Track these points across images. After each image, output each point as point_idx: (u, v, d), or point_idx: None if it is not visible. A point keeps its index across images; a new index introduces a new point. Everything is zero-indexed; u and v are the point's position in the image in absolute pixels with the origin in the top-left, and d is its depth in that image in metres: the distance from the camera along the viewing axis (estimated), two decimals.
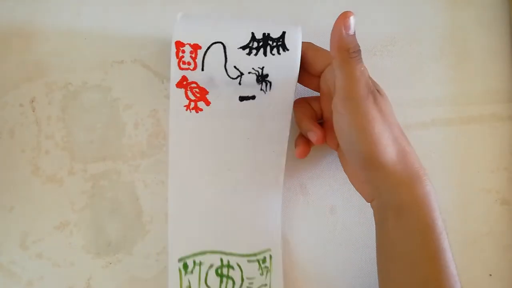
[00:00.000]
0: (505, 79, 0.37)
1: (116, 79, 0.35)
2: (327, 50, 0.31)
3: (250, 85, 0.31)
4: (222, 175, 0.33)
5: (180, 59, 0.30)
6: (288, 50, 0.30)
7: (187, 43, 0.30)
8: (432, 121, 0.37)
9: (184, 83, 0.31)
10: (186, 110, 0.31)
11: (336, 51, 0.27)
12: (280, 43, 0.30)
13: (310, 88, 0.34)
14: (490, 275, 0.36)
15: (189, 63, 0.30)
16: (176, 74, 0.31)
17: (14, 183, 0.34)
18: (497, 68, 0.37)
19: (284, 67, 0.30)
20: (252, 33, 0.30)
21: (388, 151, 0.27)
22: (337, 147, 0.33)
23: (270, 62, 0.30)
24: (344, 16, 0.26)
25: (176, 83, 0.31)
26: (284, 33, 0.30)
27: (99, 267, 0.35)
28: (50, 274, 0.34)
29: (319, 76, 0.32)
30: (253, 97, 0.31)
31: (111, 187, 0.35)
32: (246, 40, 0.30)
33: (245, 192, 0.33)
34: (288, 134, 0.32)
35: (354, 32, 0.26)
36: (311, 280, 0.35)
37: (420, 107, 0.37)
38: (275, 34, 0.30)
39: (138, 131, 0.35)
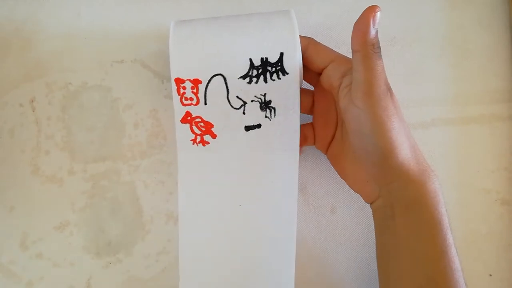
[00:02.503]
0: (505, 79, 0.37)
1: (116, 79, 0.35)
2: (328, 47, 0.31)
3: (254, 113, 0.30)
4: (233, 211, 0.32)
5: (182, 95, 0.30)
6: (287, 73, 0.29)
7: (187, 79, 0.29)
8: (432, 121, 0.37)
9: (188, 118, 0.30)
10: (193, 144, 0.31)
11: (361, 45, 0.26)
12: (279, 68, 0.29)
13: (306, 81, 0.34)
14: (490, 275, 0.36)
15: (191, 99, 0.30)
16: (179, 111, 0.30)
17: (14, 183, 0.34)
18: (497, 68, 0.37)
19: (285, 91, 0.30)
20: (250, 60, 0.29)
21: (404, 147, 0.28)
22: (326, 149, 0.33)
23: (272, 88, 0.30)
24: (372, 10, 0.26)
25: (180, 119, 0.31)
26: (282, 54, 0.29)
27: (99, 267, 0.35)
28: (50, 274, 0.34)
29: (318, 73, 0.32)
30: (258, 126, 0.31)
31: (111, 187, 0.35)
32: (245, 69, 0.29)
33: (258, 230, 0.32)
34: (297, 163, 0.31)
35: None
36: (311, 280, 0.35)
37: (420, 107, 0.37)
38: (273, 58, 0.29)
39: (138, 131, 0.35)
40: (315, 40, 0.31)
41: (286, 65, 0.29)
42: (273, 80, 0.30)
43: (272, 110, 0.30)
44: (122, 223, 0.35)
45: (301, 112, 0.33)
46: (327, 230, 0.36)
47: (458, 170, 0.37)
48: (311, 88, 0.35)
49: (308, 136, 0.33)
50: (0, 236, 0.34)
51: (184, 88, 0.30)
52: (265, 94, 0.30)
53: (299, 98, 0.30)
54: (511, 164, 0.37)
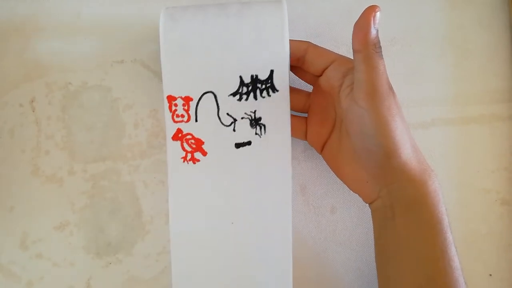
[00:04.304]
0: (505, 78, 0.37)
1: (116, 79, 0.35)
2: (326, 49, 0.31)
3: (244, 130, 0.30)
4: (225, 230, 0.31)
5: (173, 112, 0.30)
6: (277, 91, 0.30)
7: (179, 96, 0.30)
8: (432, 121, 0.37)
9: (180, 135, 0.31)
10: (184, 161, 0.31)
11: (362, 45, 0.26)
12: (269, 85, 0.30)
13: (305, 82, 0.34)
14: (490, 275, 0.36)
15: (182, 116, 0.30)
16: (171, 128, 0.31)
17: (14, 183, 0.34)
18: (497, 67, 0.37)
19: (275, 108, 0.30)
20: (240, 77, 0.30)
21: (407, 147, 0.28)
22: (321, 148, 0.33)
23: (262, 105, 0.30)
24: (372, 10, 0.26)
25: (171, 136, 0.31)
26: (272, 72, 0.29)
27: (99, 267, 0.35)
28: (50, 274, 0.34)
29: (318, 75, 0.32)
30: (249, 143, 0.31)
31: (111, 187, 0.35)
32: (235, 86, 0.30)
33: (251, 249, 0.31)
34: (290, 180, 0.31)
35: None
36: (311, 280, 0.35)
37: (420, 107, 0.37)
38: (263, 75, 0.29)
39: (138, 131, 0.35)
40: (313, 44, 0.31)
41: (276, 82, 0.30)
42: (263, 97, 0.30)
43: (263, 127, 0.30)
44: (122, 223, 0.35)
45: (295, 110, 0.33)
46: (327, 230, 0.36)
47: (458, 170, 0.37)
48: (303, 86, 0.35)
49: (298, 128, 0.33)
50: (0, 236, 0.34)
51: (176, 105, 0.30)
52: (255, 111, 0.30)
53: (289, 115, 0.30)
54: (511, 164, 0.37)
